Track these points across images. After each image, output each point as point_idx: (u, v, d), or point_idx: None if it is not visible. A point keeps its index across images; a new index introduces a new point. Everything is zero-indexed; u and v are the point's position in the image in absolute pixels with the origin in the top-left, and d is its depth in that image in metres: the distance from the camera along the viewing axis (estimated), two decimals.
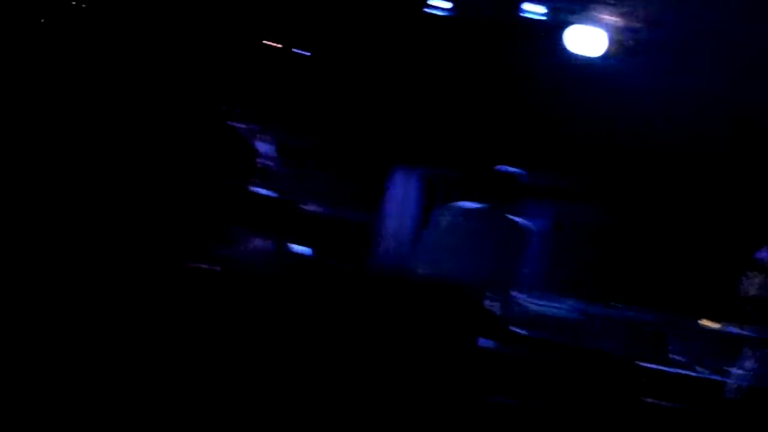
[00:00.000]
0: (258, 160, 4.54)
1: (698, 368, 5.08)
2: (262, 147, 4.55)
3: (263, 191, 4.58)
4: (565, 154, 6.63)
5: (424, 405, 4.42)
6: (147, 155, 4.22)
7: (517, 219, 5.10)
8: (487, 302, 4.97)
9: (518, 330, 5.26)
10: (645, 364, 5.30)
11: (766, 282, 3.15)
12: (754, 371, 3.08)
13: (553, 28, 6.01)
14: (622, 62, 5.99)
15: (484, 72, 6.48)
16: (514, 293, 5.13)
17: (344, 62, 6.56)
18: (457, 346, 4.78)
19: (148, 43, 5.55)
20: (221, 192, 4.25)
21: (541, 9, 5.96)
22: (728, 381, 3.18)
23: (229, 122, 4.49)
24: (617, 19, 5.87)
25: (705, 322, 5.49)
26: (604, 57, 5.94)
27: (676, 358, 5.45)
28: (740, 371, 3.17)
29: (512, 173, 5.15)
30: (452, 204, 5.20)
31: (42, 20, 5.14)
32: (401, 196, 6.95)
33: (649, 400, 4.94)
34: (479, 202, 5.13)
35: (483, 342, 4.89)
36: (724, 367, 4.45)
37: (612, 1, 5.83)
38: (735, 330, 4.24)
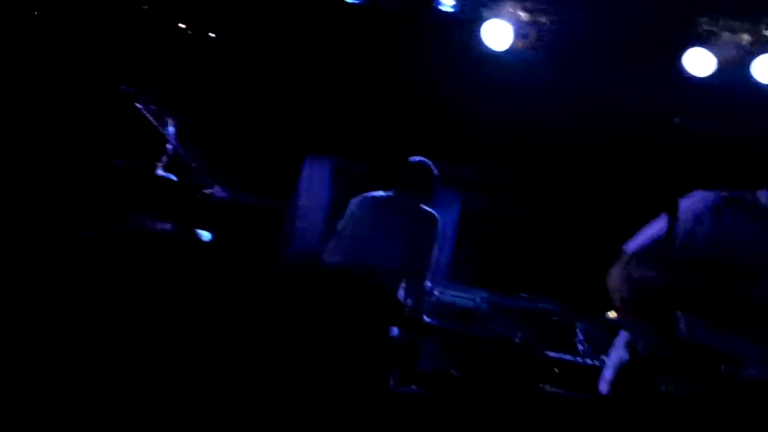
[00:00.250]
0: (161, 142, 4.42)
1: (605, 358, 5.17)
2: (166, 129, 4.43)
3: (165, 174, 4.46)
4: (473, 145, 6.69)
5: (334, 392, 4.37)
6: (43, 134, 4.08)
7: (427, 209, 5.10)
8: (397, 292, 4.96)
9: (428, 319, 5.27)
10: (552, 354, 5.39)
11: (624, 273, 3.21)
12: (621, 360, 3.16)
13: (464, 21, 6.05)
14: (528, 56, 6.07)
15: (396, 63, 6.48)
16: (424, 283, 5.12)
17: (254, 48, 6.46)
18: (367, 336, 4.75)
19: (50, 25, 5.37)
20: (120, 172, 4.13)
21: (452, 2, 5.98)
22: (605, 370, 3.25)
23: (132, 103, 4.36)
24: (525, 14, 5.95)
25: (612, 314, 5.60)
26: (512, 51, 6.01)
27: (583, 348, 5.55)
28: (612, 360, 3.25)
29: (423, 163, 5.14)
30: (364, 194, 5.16)
31: None
32: (313, 184, 6.89)
33: (555, 389, 5.01)
34: (390, 191, 5.11)
35: (393, 331, 4.88)
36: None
37: None
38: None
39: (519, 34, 5.97)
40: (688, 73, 5.85)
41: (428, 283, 5.28)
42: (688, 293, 2.80)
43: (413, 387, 4.85)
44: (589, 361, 5.41)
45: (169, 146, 4.38)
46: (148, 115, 4.37)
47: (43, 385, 3.59)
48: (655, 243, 3.20)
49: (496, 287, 5.93)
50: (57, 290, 3.81)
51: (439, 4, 6.12)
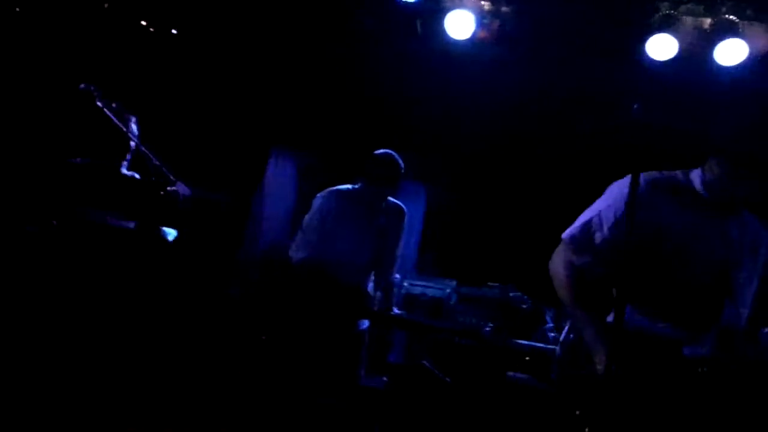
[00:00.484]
0: (123, 140, 4.38)
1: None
2: (128, 127, 4.39)
3: (128, 172, 4.42)
4: (436, 137, 6.70)
5: (305, 387, 4.37)
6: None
7: (394, 201, 5.09)
8: (366, 285, 4.96)
9: (398, 311, 5.28)
10: (522, 342, 5.41)
11: (564, 260, 3.28)
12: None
13: (427, 12, 6.04)
14: (491, 46, 6.07)
15: (358, 56, 6.46)
16: (393, 275, 5.12)
17: (215, 44, 6.41)
18: (336, 330, 4.75)
19: (10, 23, 5.30)
20: (80, 170, 4.09)
21: None
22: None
23: (93, 101, 4.30)
24: (486, 4, 5.95)
25: None
26: (473, 41, 6.01)
27: (553, 335, 5.58)
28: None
29: (388, 155, 5.13)
30: (329, 188, 5.14)
31: None
32: (277, 179, 6.85)
33: (523, 375, 5.04)
34: (356, 184, 5.09)
35: (362, 323, 4.88)
36: None
37: None
38: None
39: (481, 24, 5.98)
40: (650, 59, 5.89)
41: (397, 276, 5.28)
42: (624, 277, 2.85)
43: (384, 379, 4.86)
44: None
45: (131, 144, 4.34)
46: (109, 113, 4.31)
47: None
48: (588, 229, 3.25)
49: (464, 278, 5.95)
50: (9, 286, 3.79)
51: None
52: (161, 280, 4.15)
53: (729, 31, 5.69)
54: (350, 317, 4.86)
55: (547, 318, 5.62)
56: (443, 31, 6.01)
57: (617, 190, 3.26)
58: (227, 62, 6.51)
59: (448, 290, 5.81)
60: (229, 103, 6.61)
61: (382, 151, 5.16)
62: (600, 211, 3.25)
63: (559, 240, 3.35)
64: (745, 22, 5.69)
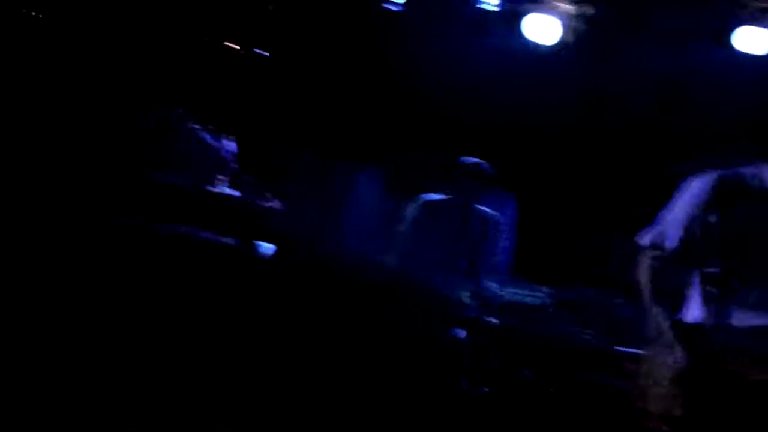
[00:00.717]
0: (219, 160, 4.49)
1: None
2: (225, 147, 4.51)
3: (229, 191, 4.53)
4: (525, 142, 6.64)
5: (396, 396, 4.37)
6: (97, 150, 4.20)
7: (484, 209, 5.08)
8: (460, 294, 4.94)
9: (494, 320, 5.22)
10: (624, 349, 5.28)
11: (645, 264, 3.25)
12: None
13: (508, 17, 6.01)
14: (575, 50, 6.01)
15: (445, 63, 6.46)
16: (487, 283, 5.09)
17: (302, 62, 6.52)
18: (433, 340, 4.74)
19: (111, 46, 5.51)
20: (180, 191, 4.21)
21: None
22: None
23: (187, 124, 4.43)
24: (571, 7, 5.89)
25: None
26: (560, 45, 5.95)
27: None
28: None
29: (477, 163, 5.12)
30: (419, 197, 5.16)
31: None
32: (366, 190, 6.89)
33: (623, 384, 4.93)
34: (445, 193, 5.10)
35: (456, 332, 4.85)
36: None
37: None
38: None
39: (566, 27, 5.91)
40: (740, 53, 5.75)
41: (492, 284, 5.25)
42: (707, 278, 2.84)
43: (485, 388, 4.82)
44: None
45: (231, 164, 4.47)
46: (205, 135, 4.44)
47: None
48: (664, 234, 3.22)
49: (561, 284, 5.86)
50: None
51: (480, 2, 6.10)
52: (260, 294, 4.23)
53: None
54: (446, 327, 4.85)
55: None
56: (525, 36, 5.97)
57: (691, 191, 3.22)
58: (315, 79, 6.60)
59: (545, 297, 5.73)
60: (317, 119, 6.70)
61: (470, 159, 5.15)
62: (674, 213, 3.22)
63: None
64: None
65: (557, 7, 5.90)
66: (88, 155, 4.19)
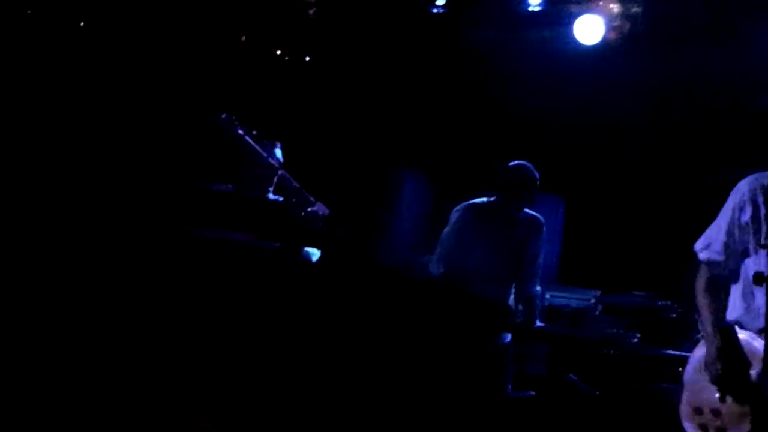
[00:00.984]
0: (265, 167, 4.54)
1: None
2: (271, 152, 4.55)
3: (274, 197, 4.58)
4: (572, 145, 6.59)
5: (441, 401, 4.37)
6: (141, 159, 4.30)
7: (530, 213, 5.04)
8: (507, 298, 4.92)
9: (541, 324, 5.19)
10: (671, 352, 5.22)
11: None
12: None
13: (553, 18, 5.98)
14: (621, 50, 5.95)
15: (488, 68, 6.45)
16: (534, 288, 5.06)
17: (347, 66, 6.56)
18: (480, 345, 4.74)
19: (159, 57, 5.61)
20: (227, 195, 4.27)
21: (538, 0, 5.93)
22: None
23: (234, 130, 4.49)
24: (615, 6, 5.83)
25: None
26: (603, 44, 5.90)
27: None
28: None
29: (523, 167, 5.09)
30: (465, 202, 5.14)
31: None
32: (412, 195, 6.90)
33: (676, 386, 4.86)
34: (492, 197, 5.07)
35: (505, 337, 4.84)
36: None
37: None
38: None
39: (611, 27, 5.86)
40: None
41: (538, 288, 5.22)
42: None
43: (531, 393, 4.79)
44: None
45: (278, 169, 4.50)
46: (251, 141, 4.49)
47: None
48: (714, 238, 3.24)
49: (608, 287, 5.81)
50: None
51: (528, 5, 6.08)
52: (305, 297, 4.27)
53: None
54: (493, 331, 4.83)
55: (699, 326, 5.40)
56: (572, 37, 5.93)
57: (741, 190, 3.19)
58: (358, 82, 6.64)
59: (591, 300, 5.68)
60: (362, 123, 6.73)
61: (515, 162, 5.11)
62: (729, 216, 3.19)
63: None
64: None
65: (602, 7, 5.86)
66: (136, 163, 4.28)
